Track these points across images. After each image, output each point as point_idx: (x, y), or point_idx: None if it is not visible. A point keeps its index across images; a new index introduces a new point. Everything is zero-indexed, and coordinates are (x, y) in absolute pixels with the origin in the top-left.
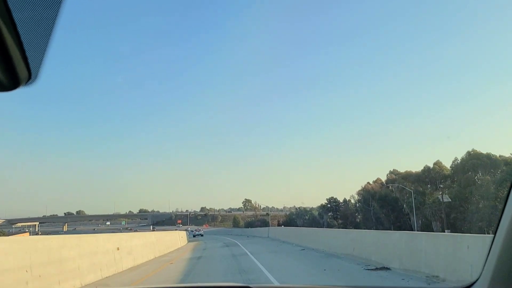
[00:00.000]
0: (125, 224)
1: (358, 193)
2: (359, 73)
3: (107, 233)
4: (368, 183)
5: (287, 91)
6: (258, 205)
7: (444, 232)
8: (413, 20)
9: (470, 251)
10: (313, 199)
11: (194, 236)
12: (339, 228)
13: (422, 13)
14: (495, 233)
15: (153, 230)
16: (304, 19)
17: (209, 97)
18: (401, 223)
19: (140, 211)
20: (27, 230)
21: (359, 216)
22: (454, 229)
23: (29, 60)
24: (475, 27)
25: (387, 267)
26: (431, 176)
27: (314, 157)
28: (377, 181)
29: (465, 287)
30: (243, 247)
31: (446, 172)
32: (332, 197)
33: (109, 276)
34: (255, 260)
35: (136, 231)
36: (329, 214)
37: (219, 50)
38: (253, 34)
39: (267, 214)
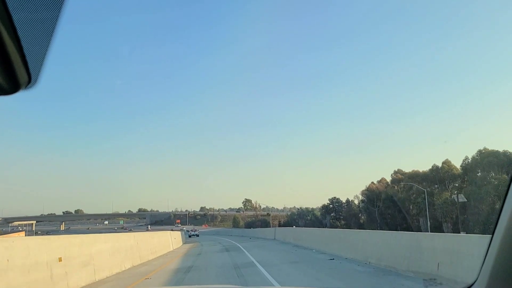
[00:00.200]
0: (123, 223)
1: (362, 193)
2: (360, 72)
3: (53, 236)
4: (373, 183)
5: (287, 91)
6: (259, 205)
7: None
8: (423, 15)
9: None
10: (314, 200)
11: (189, 236)
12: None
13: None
14: (492, 234)
15: (147, 230)
16: (304, 17)
17: (208, 96)
18: (407, 225)
19: (139, 210)
20: (20, 229)
21: (362, 217)
22: (468, 231)
23: (29, 65)
24: (486, 21)
25: None
26: (439, 176)
27: (314, 157)
28: (382, 181)
29: None
30: (247, 253)
31: (455, 172)
32: (334, 197)
33: None
34: (269, 277)
35: (130, 230)
36: (332, 214)
37: (218, 50)
38: (252, 33)
39: (268, 214)
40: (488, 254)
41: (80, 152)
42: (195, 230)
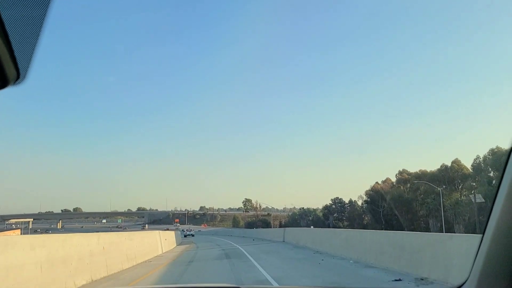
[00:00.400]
0: (122, 222)
1: (367, 194)
2: (361, 73)
3: None
4: (377, 183)
5: (288, 91)
6: (259, 205)
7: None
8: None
9: None
10: (315, 200)
11: (185, 236)
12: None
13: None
14: (483, 233)
15: (142, 229)
16: (304, 18)
17: (209, 96)
18: (415, 226)
19: (139, 209)
20: (14, 227)
21: (366, 218)
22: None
23: (18, 60)
24: (492, 22)
25: None
26: (448, 176)
27: (315, 158)
28: (387, 181)
29: None
30: (254, 262)
31: (466, 172)
32: (336, 198)
33: None
34: None
35: (125, 229)
36: (334, 215)
37: (218, 50)
38: (252, 33)
39: (269, 214)
40: (478, 253)
41: (81, 150)
42: (190, 230)
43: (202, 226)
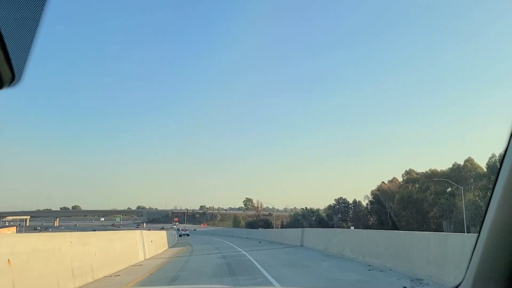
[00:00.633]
0: (120, 220)
1: (372, 193)
2: (362, 74)
3: None
4: (383, 183)
5: (289, 91)
6: (260, 205)
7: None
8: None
9: None
10: (316, 200)
11: (180, 235)
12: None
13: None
14: (478, 233)
15: (137, 228)
16: (305, 18)
17: (210, 95)
18: (424, 228)
19: (138, 208)
20: (8, 224)
21: (371, 218)
22: None
23: (13, 62)
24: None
25: None
26: (461, 175)
27: (315, 158)
28: (394, 181)
29: None
30: (275, 283)
31: (480, 171)
32: (341, 198)
33: None
34: None
35: (120, 227)
36: (338, 216)
37: (218, 50)
38: (253, 33)
39: (270, 214)
40: (474, 253)
41: (82, 149)
42: (186, 230)
43: (202, 225)
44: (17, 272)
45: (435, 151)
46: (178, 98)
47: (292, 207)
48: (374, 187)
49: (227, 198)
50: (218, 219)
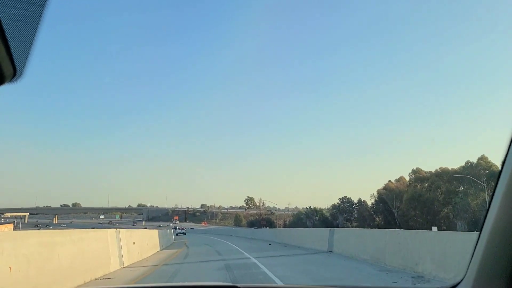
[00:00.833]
0: (119, 218)
1: (379, 193)
2: (364, 75)
3: None
4: (390, 181)
5: (291, 91)
6: (262, 203)
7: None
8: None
9: None
10: (318, 200)
11: (177, 234)
12: None
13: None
14: (480, 231)
15: (133, 226)
16: (306, 19)
17: (211, 95)
18: (437, 228)
19: (138, 206)
20: (3, 221)
21: (377, 218)
22: None
23: (14, 57)
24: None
25: None
26: (474, 174)
27: (317, 158)
28: (401, 179)
29: (449, 287)
30: None
31: (495, 169)
32: (345, 197)
33: None
34: None
35: (115, 224)
36: (343, 215)
37: (218, 50)
38: (253, 33)
39: (272, 213)
40: (475, 251)
41: (83, 147)
42: (182, 229)
43: (202, 224)
44: None
45: (443, 150)
46: (179, 96)
47: (294, 206)
48: (378, 186)
49: (228, 197)
50: (219, 217)
